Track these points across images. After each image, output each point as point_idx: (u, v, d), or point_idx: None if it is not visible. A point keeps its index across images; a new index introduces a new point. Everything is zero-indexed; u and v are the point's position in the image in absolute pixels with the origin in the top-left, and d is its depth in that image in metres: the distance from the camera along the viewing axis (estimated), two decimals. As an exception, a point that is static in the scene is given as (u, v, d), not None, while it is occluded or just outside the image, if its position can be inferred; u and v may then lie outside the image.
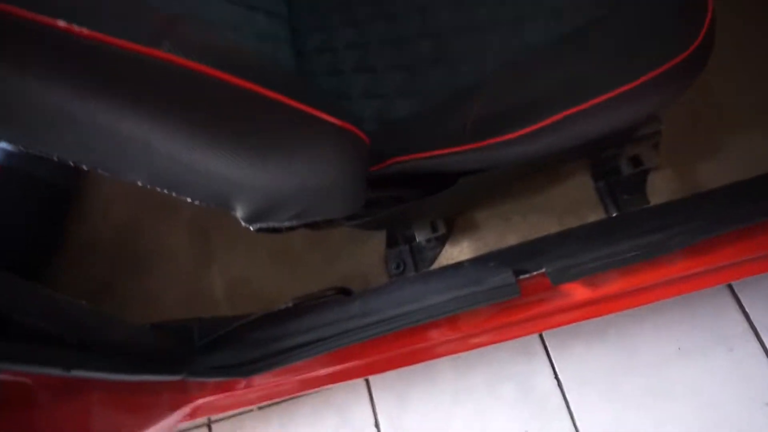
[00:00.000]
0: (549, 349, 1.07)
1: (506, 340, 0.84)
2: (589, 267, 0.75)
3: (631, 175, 0.86)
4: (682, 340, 1.03)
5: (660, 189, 0.88)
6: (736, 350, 1.00)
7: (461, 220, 0.96)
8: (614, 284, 0.80)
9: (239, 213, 0.62)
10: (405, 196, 0.79)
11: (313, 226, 0.80)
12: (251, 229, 0.67)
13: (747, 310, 1.01)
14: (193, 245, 1.09)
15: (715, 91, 0.91)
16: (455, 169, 0.71)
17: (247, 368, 0.82)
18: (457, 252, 0.94)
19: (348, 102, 0.83)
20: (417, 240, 0.93)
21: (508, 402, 1.07)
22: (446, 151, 0.66)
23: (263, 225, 0.68)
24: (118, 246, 1.16)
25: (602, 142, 0.83)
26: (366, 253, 1.01)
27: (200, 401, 0.86)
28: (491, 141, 0.63)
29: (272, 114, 0.53)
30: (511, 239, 0.92)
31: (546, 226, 0.91)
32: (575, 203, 0.91)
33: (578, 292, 0.80)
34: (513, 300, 0.78)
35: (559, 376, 1.06)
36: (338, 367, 0.88)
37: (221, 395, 0.86)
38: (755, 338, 1.00)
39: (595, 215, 0.90)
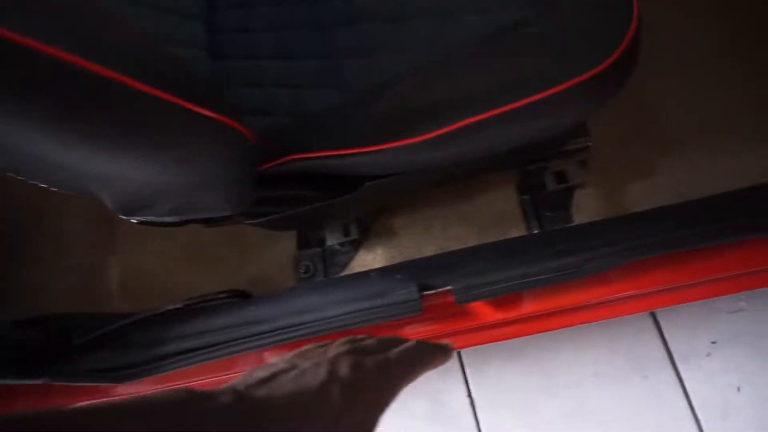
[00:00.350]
0: (465, 366, 1.03)
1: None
2: (498, 288, 0.71)
3: (556, 191, 0.82)
4: (599, 363, 1.00)
5: (586, 208, 0.85)
6: (652, 377, 0.98)
7: (378, 224, 0.90)
8: (525, 306, 0.76)
9: (109, 205, 0.55)
10: (308, 197, 0.72)
11: (207, 221, 0.73)
12: (132, 221, 0.60)
13: (666, 336, 0.99)
14: (95, 233, 1.00)
15: (654, 107, 0.87)
16: (360, 171, 0.65)
17: (123, 373, 0.74)
18: (371, 258, 0.88)
19: (259, 90, 0.76)
20: (328, 243, 0.87)
21: (420, 419, 1.02)
22: (348, 151, 0.60)
23: (141, 218, 0.61)
24: (21, 232, 1.05)
25: (525, 154, 0.78)
26: (278, 253, 0.94)
27: (68, 408, 0.78)
28: (395, 144, 0.57)
29: (135, 104, 0.46)
30: (428, 250, 0.87)
31: (465, 237, 0.86)
32: (499, 216, 0.87)
33: (486, 312, 0.76)
34: (416, 317, 0.73)
35: (473, 395, 1.01)
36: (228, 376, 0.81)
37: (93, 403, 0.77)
38: (671, 366, 0.98)
39: (516, 230, 0.86)
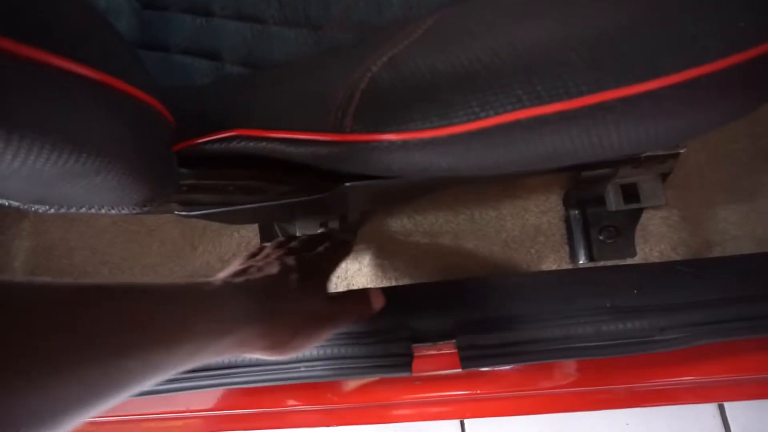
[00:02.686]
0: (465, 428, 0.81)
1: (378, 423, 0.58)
2: (524, 354, 0.48)
3: (620, 212, 0.58)
4: (632, 425, 0.78)
5: (656, 237, 0.61)
6: (700, 451, 0.76)
7: (368, 225, 0.67)
8: (557, 377, 0.54)
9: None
10: (263, 189, 0.49)
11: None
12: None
13: (726, 409, 0.77)
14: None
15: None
16: (331, 167, 0.42)
17: None
18: (353, 270, 0.66)
19: (205, 21, 0.52)
20: (300, 245, 0.64)
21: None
22: (308, 136, 0.37)
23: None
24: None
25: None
26: (235, 241, 0.72)
27: None
28: (382, 136, 0.34)
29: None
30: (428, 269, 0.63)
31: (483, 257, 0.63)
32: (532, 232, 0.63)
33: (502, 379, 0.54)
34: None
35: (468, 443, 0.81)
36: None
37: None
38: (727, 440, 0.76)
39: (554, 256, 0.62)
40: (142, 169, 0.37)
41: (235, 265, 0.45)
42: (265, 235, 0.68)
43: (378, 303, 0.48)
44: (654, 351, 0.48)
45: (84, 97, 0.29)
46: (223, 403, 0.58)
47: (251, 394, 0.58)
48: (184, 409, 0.59)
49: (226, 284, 0.39)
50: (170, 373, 0.32)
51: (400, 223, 0.66)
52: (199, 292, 0.36)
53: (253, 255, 0.49)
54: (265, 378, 0.51)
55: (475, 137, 0.32)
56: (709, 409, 0.77)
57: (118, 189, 0.37)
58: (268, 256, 0.47)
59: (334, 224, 0.63)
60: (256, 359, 0.52)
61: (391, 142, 0.34)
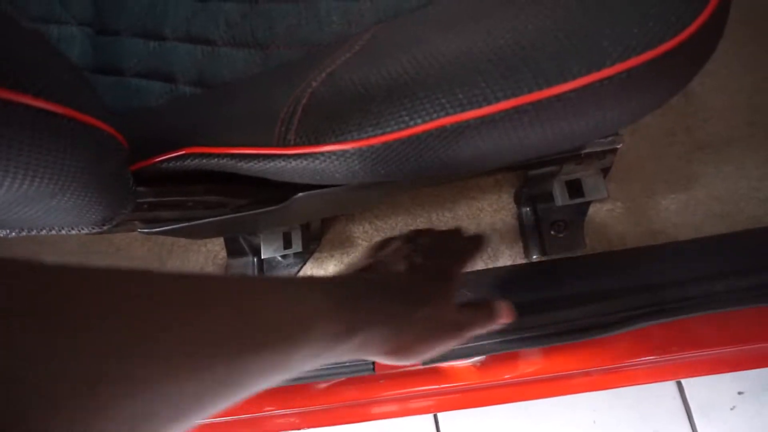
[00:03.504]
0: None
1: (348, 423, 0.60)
2: (480, 346, 0.51)
3: (567, 207, 0.61)
4: (600, 410, 0.81)
5: (603, 230, 0.64)
6: (663, 432, 0.80)
7: (330, 231, 0.69)
8: (516, 366, 0.56)
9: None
10: (221, 204, 0.51)
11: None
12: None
13: (683, 384, 0.81)
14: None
15: (702, 105, 0.66)
16: (281, 179, 0.44)
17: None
18: (320, 275, 0.68)
19: (158, 44, 0.54)
20: (264, 255, 0.66)
21: (375, 462, 0.84)
22: (255, 150, 0.39)
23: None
24: None
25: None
26: (203, 255, 0.73)
27: None
28: (326, 147, 0.36)
29: None
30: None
31: (443, 258, 0.66)
32: (488, 231, 0.66)
33: (463, 372, 0.56)
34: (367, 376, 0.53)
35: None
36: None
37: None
38: (687, 420, 0.80)
39: (509, 252, 0.65)
40: (98, 191, 0.38)
41: (363, 259, 0.43)
42: (232, 247, 0.70)
43: (508, 317, 0.43)
44: (604, 335, 0.51)
45: (41, 127, 0.30)
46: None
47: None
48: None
49: (357, 278, 0.38)
50: (293, 373, 0.29)
51: (362, 229, 0.68)
52: (325, 293, 0.32)
53: (381, 247, 0.45)
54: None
55: (407, 143, 0.34)
56: (670, 390, 0.80)
57: (75, 210, 0.39)
58: (396, 251, 0.43)
59: (296, 234, 0.65)
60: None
61: (331, 152, 0.36)
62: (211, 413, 0.25)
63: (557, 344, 0.55)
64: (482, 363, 0.58)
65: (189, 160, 0.43)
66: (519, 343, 0.53)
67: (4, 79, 0.28)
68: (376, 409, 0.65)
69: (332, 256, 0.68)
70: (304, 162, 0.37)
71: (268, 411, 0.61)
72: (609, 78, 0.30)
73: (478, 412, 0.82)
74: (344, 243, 0.68)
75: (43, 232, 0.43)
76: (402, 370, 0.56)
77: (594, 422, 0.80)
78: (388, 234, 0.68)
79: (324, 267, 0.68)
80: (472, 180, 0.66)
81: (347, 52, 0.41)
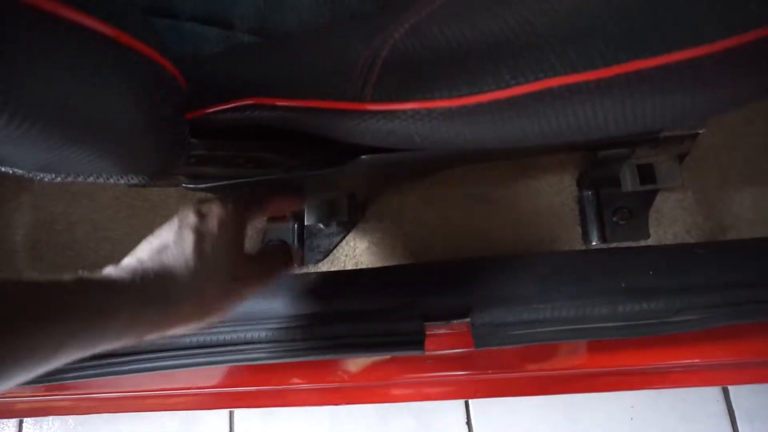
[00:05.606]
0: (469, 405, 0.81)
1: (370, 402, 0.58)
2: (538, 333, 0.48)
3: (634, 193, 0.57)
4: (637, 408, 0.78)
5: (669, 220, 0.60)
6: (703, 435, 0.77)
7: (377, 203, 0.66)
8: (566, 359, 0.53)
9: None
10: (275, 162, 0.48)
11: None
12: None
13: (729, 387, 0.77)
14: None
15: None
16: (349, 138, 0.41)
17: None
18: (362, 248, 0.65)
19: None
20: (308, 222, 0.63)
21: (401, 441, 0.82)
22: (327, 104, 0.36)
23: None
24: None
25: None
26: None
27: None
28: (405, 105, 0.32)
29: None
30: (439, 248, 0.63)
31: (494, 237, 0.62)
32: (545, 212, 0.62)
33: (510, 359, 0.53)
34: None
35: (472, 423, 0.80)
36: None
37: None
38: (729, 424, 0.76)
39: (567, 237, 0.61)
40: (154, 135, 0.36)
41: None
42: (272, 212, 0.67)
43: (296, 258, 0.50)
44: (669, 332, 0.48)
45: (94, 54, 0.27)
46: (227, 381, 0.58)
47: (256, 372, 0.57)
48: (185, 386, 0.58)
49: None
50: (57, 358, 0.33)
51: (410, 200, 0.65)
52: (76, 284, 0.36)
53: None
54: (270, 355, 0.50)
55: (504, 106, 0.31)
56: (714, 393, 0.77)
57: (128, 155, 0.36)
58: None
59: (342, 202, 0.62)
60: (264, 336, 0.51)
61: (415, 112, 0.33)
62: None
63: (614, 338, 0.51)
64: (528, 351, 0.56)
65: (249, 112, 0.40)
66: (575, 333, 0.50)
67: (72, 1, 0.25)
68: (409, 391, 0.62)
69: (377, 227, 0.65)
70: (382, 121, 0.34)
71: (296, 384, 0.59)
72: (754, 42, 0.26)
73: (512, 400, 0.80)
74: (391, 215, 0.65)
75: (91, 178, 0.40)
76: (451, 352, 0.53)
77: (632, 419, 0.77)
78: (438, 209, 0.64)
79: (368, 238, 0.65)
80: (533, 158, 0.63)
81: (432, 3, 0.37)
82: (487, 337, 0.48)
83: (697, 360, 0.52)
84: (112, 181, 0.40)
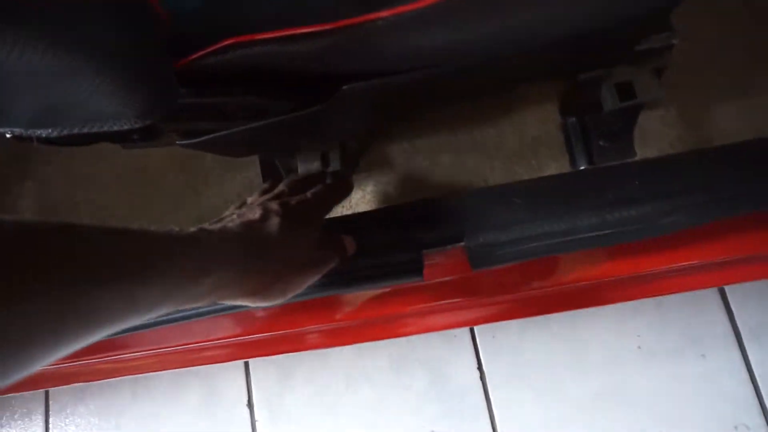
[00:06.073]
0: (476, 333, 0.83)
1: (383, 338, 0.59)
2: (530, 247, 0.49)
3: (617, 111, 0.58)
4: (645, 336, 0.80)
5: (654, 137, 0.61)
6: (710, 356, 0.78)
7: (368, 152, 0.67)
8: (562, 273, 0.55)
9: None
10: (262, 107, 0.50)
11: (122, 139, 0.52)
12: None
13: (732, 307, 0.78)
14: (3, 151, 0.78)
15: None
16: (328, 66, 0.42)
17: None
18: (357, 198, 0.66)
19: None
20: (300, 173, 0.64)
21: (416, 392, 0.84)
22: (301, 30, 0.37)
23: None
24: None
25: (582, 49, 0.54)
26: (238, 183, 0.72)
27: None
28: (372, 15, 0.34)
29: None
30: (431, 189, 0.64)
31: (485, 173, 0.64)
32: (532, 144, 0.64)
33: (509, 279, 0.55)
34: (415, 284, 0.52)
35: (484, 369, 0.82)
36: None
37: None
38: (736, 344, 0.78)
39: (555, 165, 0.63)
40: (141, 72, 0.37)
41: (215, 221, 0.45)
42: (267, 173, 0.69)
43: (351, 249, 0.50)
44: (659, 234, 0.49)
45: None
46: (242, 330, 0.60)
47: (269, 319, 0.59)
48: (203, 338, 0.60)
49: (201, 231, 0.39)
50: (148, 315, 0.32)
51: (401, 148, 0.66)
52: (171, 237, 0.35)
53: (243, 204, 0.49)
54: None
55: (454, 6, 0.32)
56: (719, 316, 0.78)
57: (116, 94, 0.38)
58: (252, 203, 0.47)
59: (334, 153, 0.64)
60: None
61: (384, 20, 0.34)
62: (66, 349, 0.27)
63: (607, 245, 0.53)
64: (526, 269, 0.57)
65: (231, 52, 0.42)
66: (568, 245, 0.51)
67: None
68: (414, 324, 0.64)
69: (370, 176, 0.66)
70: (357, 36, 0.36)
71: (305, 327, 0.61)
72: None
73: (516, 325, 0.81)
74: (383, 163, 0.66)
75: (84, 129, 0.42)
76: (450, 278, 0.55)
77: (639, 347, 0.79)
78: (428, 152, 0.66)
79: (362, 188, 0.66)
80: (515, 92, 0.64)
81: None
82: (483, 257, 0.50)
83: (695, 261, 0.53)
84: (105, 128, 0.41)
